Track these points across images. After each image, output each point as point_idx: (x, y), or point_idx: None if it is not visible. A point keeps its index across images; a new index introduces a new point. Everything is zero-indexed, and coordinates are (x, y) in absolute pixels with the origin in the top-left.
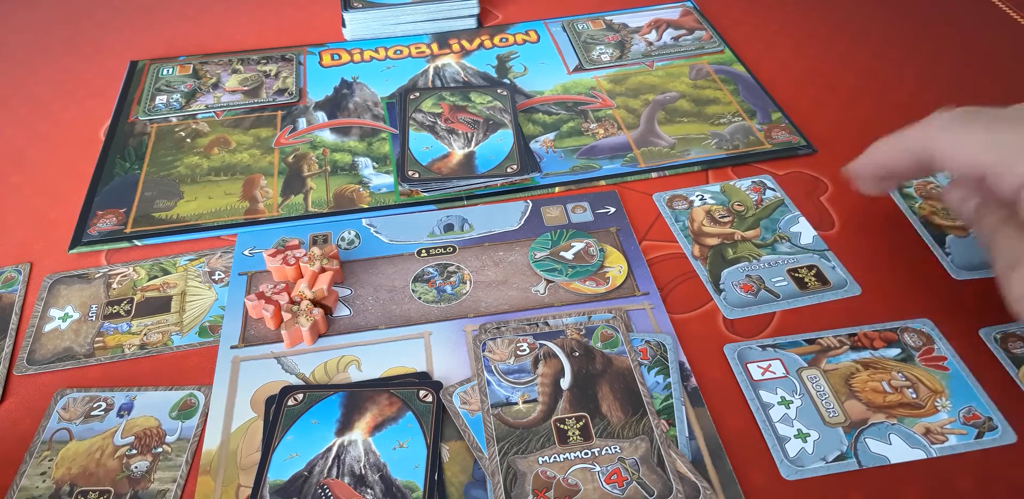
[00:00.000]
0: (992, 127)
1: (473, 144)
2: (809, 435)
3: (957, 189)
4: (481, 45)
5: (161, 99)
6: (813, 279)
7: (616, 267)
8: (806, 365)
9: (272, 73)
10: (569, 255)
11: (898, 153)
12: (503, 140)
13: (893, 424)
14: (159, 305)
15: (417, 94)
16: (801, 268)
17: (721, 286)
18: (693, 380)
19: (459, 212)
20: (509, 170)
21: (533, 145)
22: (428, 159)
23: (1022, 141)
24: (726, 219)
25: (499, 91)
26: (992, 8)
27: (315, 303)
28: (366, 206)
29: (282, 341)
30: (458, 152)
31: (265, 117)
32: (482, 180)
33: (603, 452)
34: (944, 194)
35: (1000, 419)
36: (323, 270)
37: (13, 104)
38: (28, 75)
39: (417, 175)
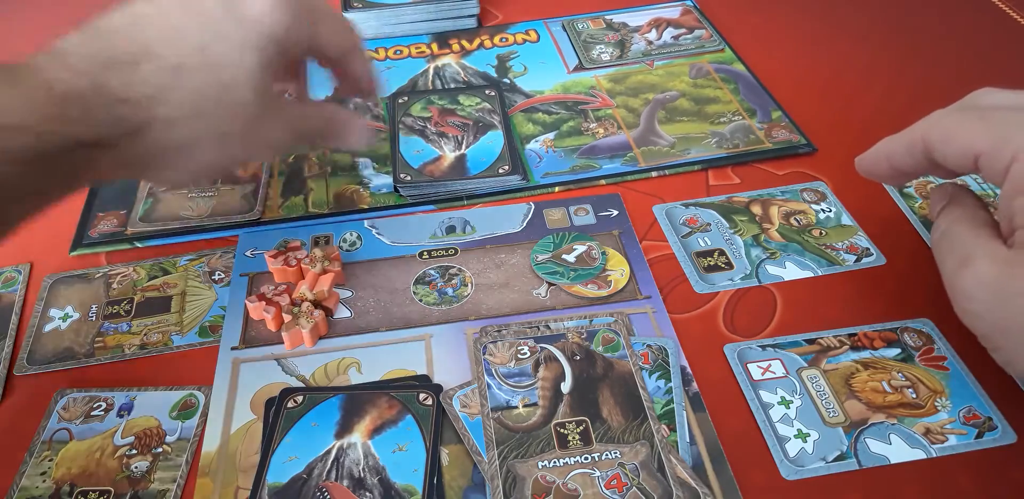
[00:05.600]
0: (987, 113)
1: (464, 147)
2: (809, 435)
3: (938, 191)
4: (481, 45)
5: None
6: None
7: (618, 270)
8: (806, 365)
9: None
10: (571, 258)
11: (898, 145)
12: (493, 142)
13: (893, 424)
14: (159, 305)
15: (406, 98)
16: None
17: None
18: (695, 385)
19: (461, 214)
20: (501, 171)
21: (533, 144)
22: (419, 162)
23: (1019, 120)
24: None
25: (488, 92)
26: (992, 8)
27: (316, 305)
28: (366, 207)
29: (282, 342)
30: (449, 155)
31: None
32: (474, 182)
33: (603, 457)
34: (931, 194)
35: (1000, 419)
36: (324, 271)
37: None
38: None
39: (409, 178)
